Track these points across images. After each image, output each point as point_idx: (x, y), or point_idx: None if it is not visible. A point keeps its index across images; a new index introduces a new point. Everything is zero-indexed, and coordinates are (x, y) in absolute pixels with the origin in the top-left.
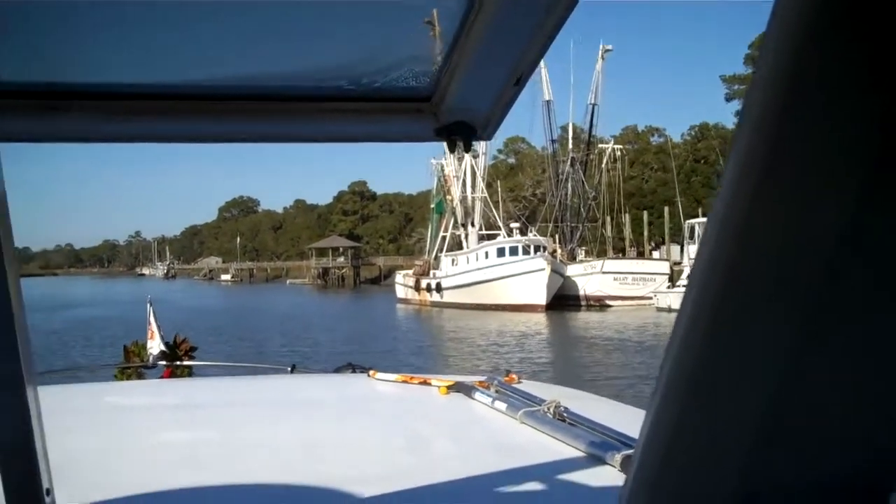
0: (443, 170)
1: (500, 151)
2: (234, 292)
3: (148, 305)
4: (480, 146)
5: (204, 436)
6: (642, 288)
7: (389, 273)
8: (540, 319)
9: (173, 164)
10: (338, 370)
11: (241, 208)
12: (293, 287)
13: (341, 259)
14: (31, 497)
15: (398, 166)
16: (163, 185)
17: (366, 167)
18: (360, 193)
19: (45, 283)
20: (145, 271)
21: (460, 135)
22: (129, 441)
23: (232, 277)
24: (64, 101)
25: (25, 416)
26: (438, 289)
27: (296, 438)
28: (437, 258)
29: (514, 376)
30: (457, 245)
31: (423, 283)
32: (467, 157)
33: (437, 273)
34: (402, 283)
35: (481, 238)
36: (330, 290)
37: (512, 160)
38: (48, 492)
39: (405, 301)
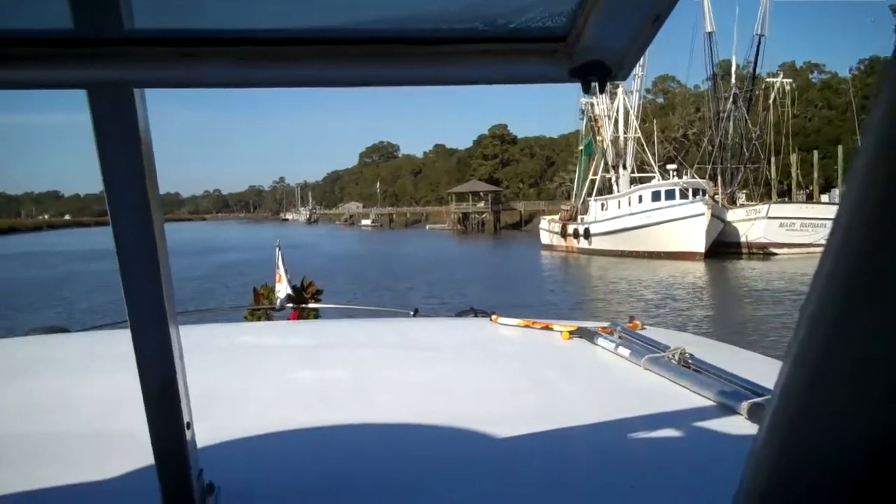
0: (593, 109)
1: (648, 91)
2: (374, 237)
3: (277, 250)
4: (634, 83)
5: (331, 375)
6: (812, 234)
7: (530, 218)
8: (701, 268)
9: (315, 110)
10: (460, 314)
11: (382, 153)
12: (433, 232)
13: (481, 204)
14: (174, 430)
15: (540, 109)
16: (305, 132)
17: (506, 111)
18: (500, 137)
19: (193, 227)
20: (289, 216)
21: (595, 75)
22: (259, 378)
23: (372, 222)
24: (198, 47)
25: (170, 355)
26: (587, 235)
27: (420, 379)
28: (584, 203)
29: (637, 322)
30: (606, 189)
31: (570, 229)
32: (620, 95)
33: (586, 218)
34: (548, 228)
35: (633, 181)
36: (470, 236)
37: (661, 100)
38: (188, 425)
39: (550, 247)
